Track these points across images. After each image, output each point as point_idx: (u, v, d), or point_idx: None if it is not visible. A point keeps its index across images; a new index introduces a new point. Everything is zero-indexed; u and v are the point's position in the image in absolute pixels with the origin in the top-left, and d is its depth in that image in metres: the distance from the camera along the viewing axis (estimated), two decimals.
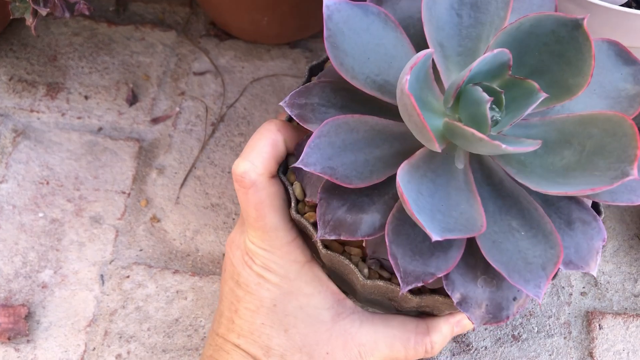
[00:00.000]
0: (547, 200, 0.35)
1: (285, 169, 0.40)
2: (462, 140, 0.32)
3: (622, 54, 0.36)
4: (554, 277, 0.34)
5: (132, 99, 0.66)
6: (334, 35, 0.34)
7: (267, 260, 0.39)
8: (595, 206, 0.38)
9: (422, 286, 0.37)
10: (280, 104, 0.37)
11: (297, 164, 0.33)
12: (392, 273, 0.37)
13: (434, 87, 0.34)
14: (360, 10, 0.35)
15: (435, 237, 0.29)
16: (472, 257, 0.34)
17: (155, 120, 0.65)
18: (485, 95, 0.32)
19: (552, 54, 0.33)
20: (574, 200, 0.35)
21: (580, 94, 0.33)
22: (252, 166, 0.37)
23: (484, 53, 0.32)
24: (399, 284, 0.34)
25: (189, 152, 0.63)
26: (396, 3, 0.37)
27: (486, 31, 0.36)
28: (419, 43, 0.36)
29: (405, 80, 0.29)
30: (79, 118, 0.65)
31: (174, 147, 0.63)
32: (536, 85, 0.32)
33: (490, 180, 0.35)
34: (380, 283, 0.36)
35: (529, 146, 0.31)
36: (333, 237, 0.34)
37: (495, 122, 0.33)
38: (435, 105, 0.35)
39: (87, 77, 0.68)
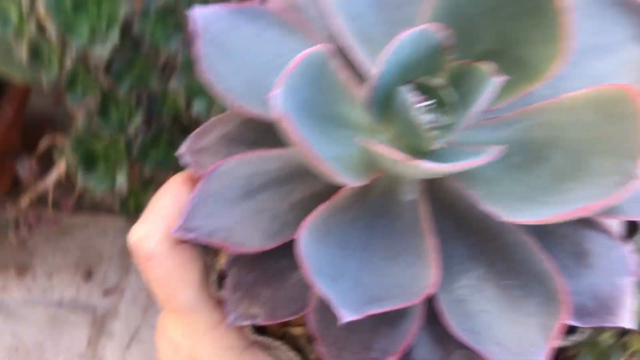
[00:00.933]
0: (541, 228, 0.24)
1: None
2: (388, 165, 0.22)
3: (624, 2, 0.25)
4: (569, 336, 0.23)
5: (88, 276, 0.81)
6: (212, 53, 0.26)
7: (192, 350, 0.30)
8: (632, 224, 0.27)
9: None
10: (178, 152, 0.28)
11: (175, 232, 0.24)
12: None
13: (350, 93, 0.25)
14: (245, 14, 0.27)
15: (346, 317, 0.19)
16: (442, 327, 0.23)
17: (106, 293, 0.79)
18: (409, 97, 0.22)
19: (511, 17, 0.23)
20: (584, 221, 0.24)
21: (557, 69, 0.22)
22: (150, 232, 0.29)
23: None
24: None
25: (134, 319, 0.75)
26: (303, 4, 0.28)
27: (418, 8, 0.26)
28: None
29: (274, 96, 0.20)
30: (44, 294, 0.79)
31: (122, 315, 0.77)
32: (486, 66, 0.22)
33: (455, 212, 0.25)
34: None
35: (480, 158, 0.21)
36: (248, 322, 0.25)
37: (443, 131, 0.24)
38: (359, 120, 0.25)
39: (51, 259, 0.82)
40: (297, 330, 0.28)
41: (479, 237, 0.24)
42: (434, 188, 0.25)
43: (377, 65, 0.22)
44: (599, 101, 0.21)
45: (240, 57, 0.26)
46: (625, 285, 0.23)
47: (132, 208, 0.74)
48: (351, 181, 0.22)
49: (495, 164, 0.23)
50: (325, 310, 0.23)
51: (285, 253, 0.25)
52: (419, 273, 0.22)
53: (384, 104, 0.24)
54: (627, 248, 0.24)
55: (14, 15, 0.61)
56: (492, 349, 0.22)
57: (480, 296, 0.23)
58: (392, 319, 0.23)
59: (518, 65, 0.23)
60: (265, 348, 0.30)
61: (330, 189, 0.25)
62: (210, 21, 0.26)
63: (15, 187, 0.92)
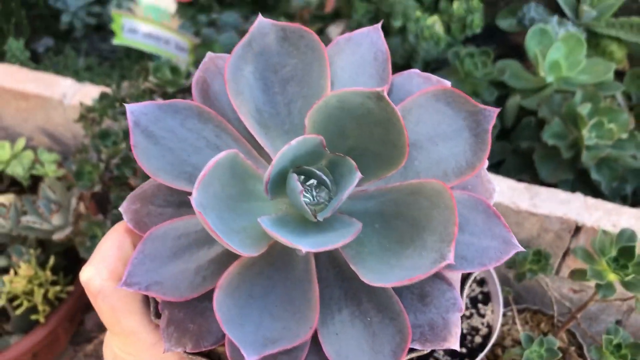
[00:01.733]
0: None
1: None
2: (275, 237, 0.29)
3: (459, 100, 0.33)
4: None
5: None
6: (142, 141, 0.33)
7: None
8: None
9: None
10: (120, 209, 0.35)
11: (119, 286, 0.31)
12: None
13: (261, 175, 0.32)
14: (169, 108, 0.33)
15: (250, 357, 0.27)
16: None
17: None
18: (298, 185, 0.30)
19: (370, 124, 0.31)
20: None
21: (403, 163, 0.30)
22: (97, 272, 0.35)
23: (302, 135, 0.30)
24: None
25: None
26: (220, 91, 0.36)
27: (308, 104, 0.33)
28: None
29: (192, 200, 0.27)
30: None
31: None
32: (353, 163, 0.30)
33: (337, 263, 0.33)
34: None
35: (343, 238, 0.28)
36: (179, 350, 0.32)
37: (323, 206, 0.31)
38: (263, 196, 0.32)
39: None
40: (221, 349, 0.35)
41: (352, 283, 0.31)
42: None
43: (271, 165, 0.29)
44: (430, 191, 0.29)
45: (166, 143, 0.33)
46: (456, 319, 0.31)
47: None
48: (249, 253, 0.29)
49: (360, 232, 0.30)
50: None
51: (207, 296, 0.33)
52: (305, 316, 0.29)
53: (280, 184, 0.31)
54: (457, 292, 0.31)
55: (99, 236, 0.88)
56: None
57: (352, 328, 0.30)
58: (288, 350, 0.30)
59: (376, 159, 0.31)
60: None
61: None
62: (141, 114, 0.33)
63: (81, 332, 1.10)
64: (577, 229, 0.90)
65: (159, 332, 0.36)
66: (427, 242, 0.28)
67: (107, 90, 1.01)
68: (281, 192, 0.31)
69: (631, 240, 0.68)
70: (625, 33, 1.29)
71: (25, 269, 1.00)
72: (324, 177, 0.31)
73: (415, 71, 0.35)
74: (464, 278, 0.34)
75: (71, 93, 1.20)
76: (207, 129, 0.34)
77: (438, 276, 0.31)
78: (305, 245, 0.27)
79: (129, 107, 0.33)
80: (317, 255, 0.32)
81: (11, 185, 1.22)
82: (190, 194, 0.34)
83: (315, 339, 0.31)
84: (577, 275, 0.70)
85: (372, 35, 0.35)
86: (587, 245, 0.85)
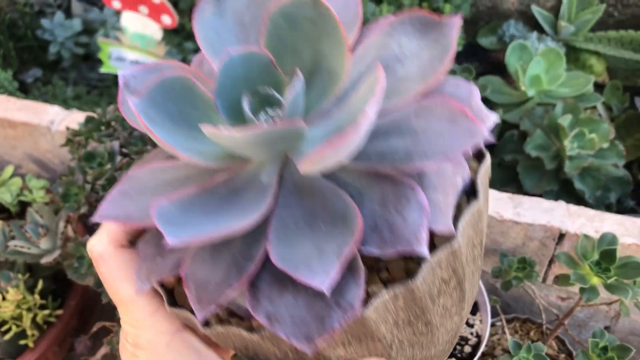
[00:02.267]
0: (359, 187, 0.31)
1: None
2: (230, 146, 0.30)
3: (426, 20, 0.33)
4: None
5: None
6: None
7: (135, 336, 0.37)
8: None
9: None
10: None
11: (93, 218, 0.32)
12: (245, 317, 0.33)
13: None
14: (154, 69, 0.35)
15: (170, 240, 0.27)
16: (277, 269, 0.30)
17: None
18: (247, 99, 0.31)
19: (315, 38, 0.32)
20: (387, 179, 0.30)
21: (346, 77, 0.31)
22: (99, 239, 0.37)
23: None
24: (247, 327, 0.32)
25: None
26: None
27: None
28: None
29: (132, 105, 0.29)
30: None
31: None
32: (298, 71, 0.31)
33: (301, 187, 0.32)
34: (220, 328, 0.32)
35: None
36: (147, 285, 0.32)
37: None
38: (218, 123, 0.33)
39: None
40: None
41: (310, 199, 0.31)
42: (287, 173, 0.33)
43: (215, 77, 0.30)
44: (368, 84, 0.29)
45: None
46: (419, 221, 0.28)
47: None
48: (209, 164, 0.30)
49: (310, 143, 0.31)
50: (193, 261, 0.31)
51: None
52: (249, 212, 0.29)
53: (235, 110, 0.32)
54: (421, 193, 0.29)
55: (87, 257, 0.90)
56: (301, 271, 0.28)
57: (303, 236, 0.29)
58: (239, 264, 0.30)
59: (327, 74, 0.32)
60: (191, 329, 0.37)
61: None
62: (131, 77, 0.35)
63: (71, 356, 1.14)
64: (561, 236, 0.89)
65: (157, 300, 0.37)
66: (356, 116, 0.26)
67: (93, 114, 1.04)
68: (236, 118, 0.32)
69: (612, 244, 0.67)
70: (603, 47, 1.29)
71: (13, 294, 1.00)
72: (278, 97, 0.31)
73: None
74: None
75: (59, 120, 1.22)
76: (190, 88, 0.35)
77: (397, 181, 0.30)
78: (235, 132, 0.27)
79: (120, 73, 0.36)
80: (282, 181, 0.32)
81: None
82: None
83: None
84: (562, 280, 0.69)
85: None
86: (571, 251, 0.85)
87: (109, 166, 0.93)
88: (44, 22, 1.52)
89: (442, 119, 0.30)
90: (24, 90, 1.54)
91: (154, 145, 0.94)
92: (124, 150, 0.98)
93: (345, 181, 0.31)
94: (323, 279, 0.27)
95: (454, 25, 0.33)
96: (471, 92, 0.34)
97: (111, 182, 0.92)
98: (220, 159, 0.32)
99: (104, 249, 0.37)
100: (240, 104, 0.32)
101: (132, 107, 0.28)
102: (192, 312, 0.33)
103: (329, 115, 0.32)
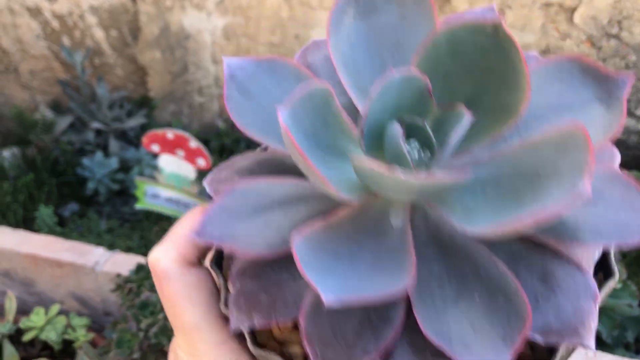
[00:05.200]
0: (513, 254, 0.27)
1: (219, 260, 0.34)
2: (376, 184, 0.26)
3: (589, 69, 0.29)
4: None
5: None
6: (237, 94, 0.31)
7: None
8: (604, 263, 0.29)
9: None
10: (203, 183, 0.33)
11: (192, 235, 0.28)
12: None
13: (351, 130, 0.29)
14: (267, 66, 0.32)
15: (328, 300, 0.22)
16: (420, 335, 0.26)
17: None
18: (399, 128, 0.26)
19: (484, 69, 0.27)
20: (550, 249, 0.27)
21: (524, 113, 0.26)
22: (165, 252, 0.32)
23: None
24: None
25: None
26: (317, 69, 0.33)
27: (406, 56, 0.31)
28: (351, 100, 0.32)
29: (281, 114, 0.24)
30: None
31: None
32: (463, 108, 0.26)
33: (438, 238, 0.28)
34: None
35: (450, 179, 0.24)
36: (246, 324, 0.28)
37: (424, 164, 0.27)
38: (354, 152, 0.29)
39: None
40: (294, 349, 0.30)
41: (456, 260, 0.27)
42: (421, 217, 0.29)
43: (366, 102, 0.26)
44: (556, 137, 0.25)
45: (260, 101, 0.31)
46: (589, 308, 0.25)
47: None
48: (347, 198, 0.26)
49: (469, 196, 0.26)
50: (314, 313, 0.26)
51: (284, 267, 0.29)
52: (398, 276, 0.25)
53: (375, 138, 0.28)
54: (590, 275, 0.26)
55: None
56: (461, 354, 0.24)
57: (453, 306, 0.25)
58: (374, 326, 0.26)
59: (489, 112, 0.27)
60: None
61: (325, 212, 0.29)
62: (238, 68, 0.31)
63: None
64: None
65: (226, 330, 0.32)
66: (550, 189, 0.23)
67: (142, 260, 1.13)
68: (375, 148, 0.28)
69: None
70: None
71: None
72: (429, 132, 0.27)
73: (533, 53, 0.32)
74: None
75: (103, 260, 1.32)
76: None
77: (563, 256, 0.26)
78: (411, 182, 0.23)
79: (226, 60, 0.31)
80: (414, 227, 0.28)
81: (42, 349, 1.31)
82: (282, 163, 0.31)
83: (409, 323, 0.26)
84: None
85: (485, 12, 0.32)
86: None
87: (161, 315, 0.99)
88: (85, 160, 1.61)
89: (616, 194, 0.26)
90: (61, 224, 1.61)
91: None
92: None
93: (494, 241, 0.27)
94: None
95: (625, 85, 0.28)
96: (613, 154, 0.31)
97: (163, 330, 0.98)
98: (353, 191, 0.27)
99: (170, 265, 0.32)
100: (383, 133, 0.28)
101: (281, 121, 0.23)
102: (281, 355, 0.29)
103: (494, 168, 0.27)
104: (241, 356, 0.32)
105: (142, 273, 1.10)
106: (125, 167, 1.69)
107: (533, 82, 0.29)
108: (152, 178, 1.52)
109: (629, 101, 1.38)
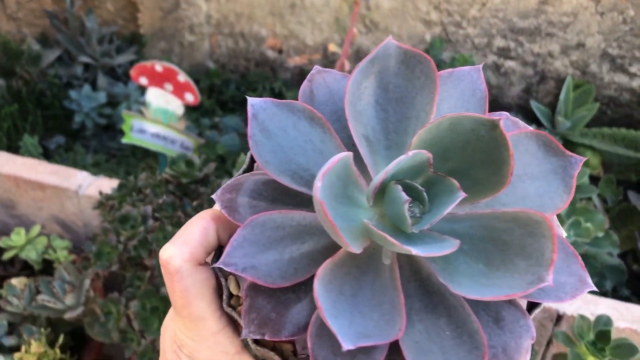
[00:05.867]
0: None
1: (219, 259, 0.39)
2: (380, 240, 0.32)
3: (550, 145, 0.36)
4: None
5: None
6: (258, 133, 0.35)
7: (193, 350, 0.38)
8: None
9: None
10: (212, 196, 0.37)
11: (218, 264, 0.33)
12: None
13: (359, 183, 0.34)
14: (286, 108, 0.35)
15: (346, 346, 0.29)
16: (400, 358, 0.33)
17: None
18: (404, 195, 0.32)
19: (475, 151, 0.33)
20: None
21: (501, 191, 0.33)
22: (178, 252, 0.37)
23: (406, 151, 0.33)
24: None
25: None
26: (323, 102, 0.38)
27: (412, 125, 0.36)
28: (349, 136, 0.37)
29: (316, 188, 0.29)
30: None
31: None
32: (456, 183, 0.32)
33: (418, 276, 0.35)
34: None
35: (444, 249, 0.31)
36: (257, 337, 0.34)
37: (418, 219, 0.33)
38: (362, 200, 0.35)
39: None
40: (285, 346, 0.37)
41: (432, 297, 0.34)
42: (405, 256, 0.35)
43: (381, 174, 0.31)
44: (525, 220, 0.32)
45: (278, 140, 0.35)
46: (527, 345, 0.33)
47: None
48: (353, 248, 0.31)
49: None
50: (319, 336, 0.33)
51: (291, 289, 0.35)
52: (393, 319, 0.32)
53: (379, 194, 0.33)
54: (530, 320, 0.34)
55: (114, 313, 1.03)
56: None
57: (429, 339, 0.33)
58: (366, 350, 0.33)
59: (476, 184, 0.34)
60: (254, 355, 0.39)
61: (329, 246, 0.35)
62: (260, 109, 0.35)
63: None
64: (559, 318, 0.98)
65: (223, 320, 0.38)
66: (519, 267, 0.30)
67: (125, 181, 1.16)
68: (378, 201, 0.34)
69: (607, 326, 0.75)
70: (598, 142, 1.44)
71: (35, 347, 1.08)
72: (423, 193, 0.33)
73: (505, 113, 0.38)
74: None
75: (86, 184, 1.33)
76: (315, 133, 0.36)
77: (513, 303, 0.34)
78: (413, 248, 0.30)
79: (250, 100, 0.35)
80: (400, 266, 0.35)
81: (22, 268, 1.35)
82: (285, 188, 0.36)
83: (392, 347, 0.33)
84: (559, 359, 0.76)
85: (472, 74, 0.38)
86: (568, 331, 0.92)
87: (141, 228, 1.01)
88: (72, 93, 1.58)
89: (559, 260, 0.33)
90: (47, 156, 1.59)
91: (184, 212, 1.06)
92: (156, 214, 1.05)
93: None
94: None
95: (577, 165, 0.36)
96: (553, 219, 0.38)
97: (142, 243, 1.00)
98: (358, 241, 0.33)
99: (182, 264, 0.37)
100: (386, 190, 0.33)
101: (318, 196, 0.28)
102: (276, 353, 0.36)
103: (472, 230, 0.34)
104: (234, 342, 0.39)
105: (125, 190, 1.12)
106: (113, 102, 1.69)
107: None
108: (140, 113, 1.51)
109: (623, 57, 1.45)
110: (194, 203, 1.09)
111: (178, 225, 1.03)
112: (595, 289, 0.34)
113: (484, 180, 0.33)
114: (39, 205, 1.36)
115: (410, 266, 0.35)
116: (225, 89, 1.84)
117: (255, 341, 0.37)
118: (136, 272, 1.03)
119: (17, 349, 1.11)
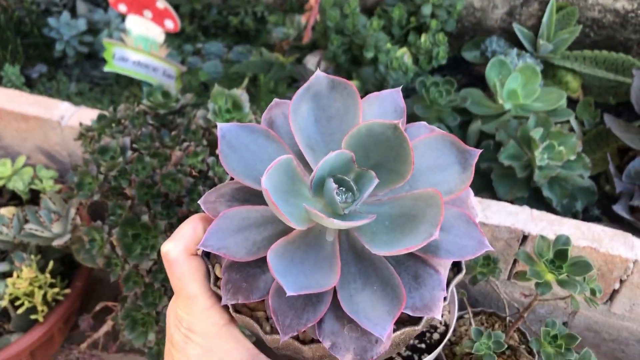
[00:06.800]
0: (398, 261, 0.45)
1: (207, 252, 0.50)
2: (315, 218, 0.42)
3: (455, 143, 0.46)
4: (413, 324, 0.44)
5: None
6: (226, 149, 0.46)
7: (190, 323, 0.48)
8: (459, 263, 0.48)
9: (313, 339, 0.46)
10: (199, 202, 0.48)
11: (199, 246, 0.44)
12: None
13: (305, 180, 0.45)
14: (247, 129, 0.47)
15: (289, 293, 0.39)
16: (340, 311, 0.43)
17: None
18: (333, 184, 0.42)
19: (387, 148, 0.44)
20: (420, 259, 0.45)
21: (409, 177, 0.43)
22: (174, 245, 0.48)
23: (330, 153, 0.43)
24: (295, 338, 0.44)
25: None
26: (280, 125, 0.49)
27: (344, 134, 0.47)
28: (298, 149, 0.48)
29: (263, 180, 0.40)
30: None
31: None
32: (373, 173, 0.43)
33: (355, 248, 0.45)
34: (277, 336, 0.45)
35: (362, 220, 0.41)
36: (233, 302, 0.44)
37: (349, 204, 0.44)
38: (307, 194, 0.45)
39: None
40: (260, 314, 0.48)
41: (365, 263, 0.44)
42: (345, 234, 0.46)
43: (315, 169, 0.42)
44: (427, 197, 0.42)
45: (242, 153, 0.46)
46: (440, 295, 0.43)
47: (155, 352, 1.09)
48: (298, 226, 0.42)
49: (374, 225, 0.43)
50: (278, 296, 0.43)
51: (256, 264, 0.45)
52: (329, 276, 0.42)
53: (319, 186, 0.44)
54: (442, 276, 0.44)
55: (98, 240, 1.06)
56: (364, 322, 0.42)
57: (362, 293, 0.43)
58: (313, 303, 0.43)
59: (391, 173, 0.44)
60: (238, 324, 0.49)
61: (285, 231, 0.45)
62: (227, 131, 0.46)
63: (74, 334, 1.31)
64: (524, 238, 1.03)
65: (213, 299, 0.48)
66: (420, 229, 0.41)
67: (105, 112, 1.15)
68: (319, 193, 0.44)
69: (566, 245, 0.79)
70: (579, 65, 1.42)
71: (27, 272, 1.14)
72: (352, 184, 0.44)
73: (423, 123, 0.49)
74: (449, 280, 0.47)
75: (68, 115, 1.31)
76: (271, 146, 0.47)
77: (428, 263, 0.43)
78: (337, 223, 0.40)
79: (220, 125, 0.46)
80: (340, 241, 0.45)
81: (11, 199, 1.37)
82: (253, 191, 0.47)
83: (334, 303, 0.44)
84: (520, 275, 0.81)
85: (394, 95, 0.49)
86: (531, 250, 0.95)
87: (120, 159, 1.03)
88: (51, 20, 1.55)
89: (461, 227, 0.43)
90: (29, 85, 1.58)
91: (162, 143, 1.08)
92: (134, 145, 1.07)
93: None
94: (382, 331, 0.41)
95: (475, 155, 0.46)
96: (468, 194, 0.49)
97: (122, 173, 1.02)
98: (303, 222, 0.43)
99: (178, 255, 0.48)
100: (324, 184, 0.44)
101: (263, 185, 0.39)
102: (253, 319, 0.47)
103: (390, 209, 0.44)
104: (223, 315, 0.49)
105: (104, 121, 1.11)
106: (93, 29, 1.64)
107: (420, 148, 0.46)
108: (121, 41, 1.49)
109: None
110: (172, 133, 1.11)
111: (156, 155, 1.06)
112: (491, 248, 0.44)
113: (396, 170, 0.44)
114: (23, 136, 1.35)
115: (348, 242, 0.46)
116: (207, 14, 1.77)
117: (237, 311, 0.47)
118: (117, 202, 1.04)
119: (9, 274, 1.17)
